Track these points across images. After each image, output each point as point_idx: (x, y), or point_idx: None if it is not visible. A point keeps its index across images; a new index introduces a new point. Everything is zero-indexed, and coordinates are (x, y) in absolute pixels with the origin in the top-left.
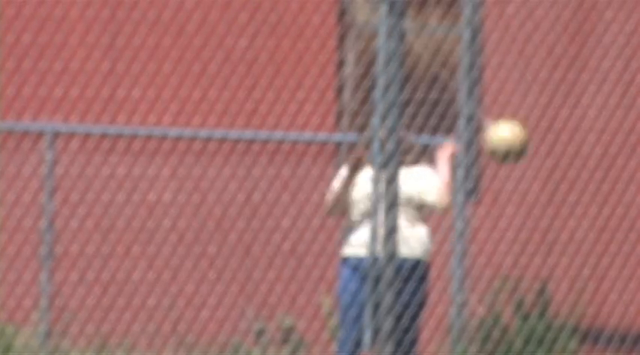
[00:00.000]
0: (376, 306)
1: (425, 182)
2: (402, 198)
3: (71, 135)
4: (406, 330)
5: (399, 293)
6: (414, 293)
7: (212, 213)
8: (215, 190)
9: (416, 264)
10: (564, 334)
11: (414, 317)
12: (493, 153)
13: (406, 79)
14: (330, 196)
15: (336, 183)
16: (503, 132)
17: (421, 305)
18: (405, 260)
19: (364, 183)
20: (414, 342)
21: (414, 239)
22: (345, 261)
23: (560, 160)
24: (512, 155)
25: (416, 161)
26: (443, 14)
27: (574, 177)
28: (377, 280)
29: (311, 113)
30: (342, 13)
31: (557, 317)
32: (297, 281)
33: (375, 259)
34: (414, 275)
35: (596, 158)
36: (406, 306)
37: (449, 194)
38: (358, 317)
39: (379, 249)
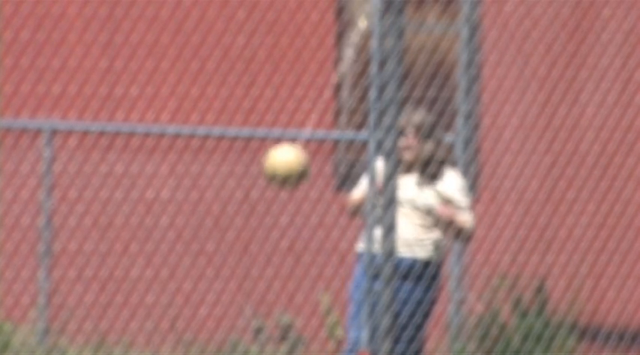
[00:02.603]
0: (387, 303)
1: (457, 200)
2: (422, 206)
3: (69, 133)
4: (416, 329)
5: (412, 291)
6: (425, 293)
7: (210, 210)
8: (213, 187)
9: (426, 264)
10: (562, 331)
11: (422, 316)
12: (272, 178)
13: (404, 76)
14: (355, 198)
15: (361, 185)
16: (283, 157)
17: (424, 304)
18: (416, 260)
19: (407, 186)
20: (414, 340)
21: (428, 242)
22: (361, 257)
23: (559, 158)
24: (292, 179)
25: (440, 172)
26: (441, 12)
27: (572, 174)
28: (377, 277)
29: (309, 110)
30: (340, 11)
31: (555, 315)
32: (295, 278)
33: (373, 257)
34: (425, 274)
35: (595, 155)
36: (419, 304)
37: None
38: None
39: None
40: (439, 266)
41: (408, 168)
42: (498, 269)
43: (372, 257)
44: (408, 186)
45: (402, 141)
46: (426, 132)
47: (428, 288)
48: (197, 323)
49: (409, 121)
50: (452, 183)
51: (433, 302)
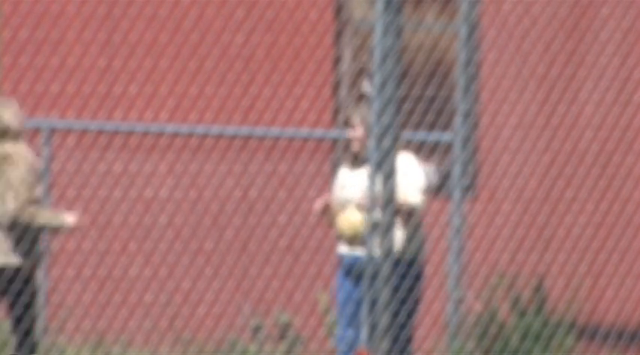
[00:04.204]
0: (372, 304)
1: (405, 181)
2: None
3: (68, 132)
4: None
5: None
6: (404, 291)
7: (209, 209)
8: (212, 186)
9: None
10: (561, 330)
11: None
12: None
13: (403, 75)
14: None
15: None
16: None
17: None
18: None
19: (358, 182)
20: (397, 339)
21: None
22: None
23: (557, 156)
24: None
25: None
26: (440, 10)
27: (571, 173)
28: (373, 277)
29: (308, 109)
30: (339, 10)
31: (553, 314)
32: (293, 277)
33: (370, 257)
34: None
35: (593, 154)
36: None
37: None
38: (354, 314)
39: (376, 246)
40: (410, 261)
41: (359, 162)
42: (497, 268)
43: (371, 258)
44: (360, 180)
45: (350, 133)
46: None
47: (398, 286)
48: (196, 321)
49: (357, 113)
50: (404, 163)
51: (404, 301)
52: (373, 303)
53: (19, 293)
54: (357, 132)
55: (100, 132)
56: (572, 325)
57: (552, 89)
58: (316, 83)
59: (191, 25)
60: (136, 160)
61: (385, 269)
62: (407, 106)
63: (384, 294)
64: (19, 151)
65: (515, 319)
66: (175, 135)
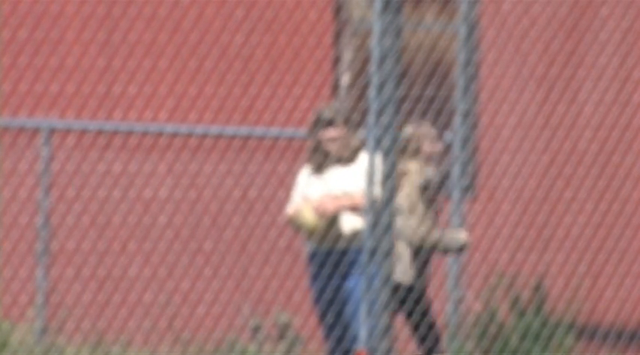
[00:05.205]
0: (372, 303)
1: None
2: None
3: (67, 132)
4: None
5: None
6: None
7: (208, 209)
8: (211, 186)
9: (347, 251)
10: (560, 330)
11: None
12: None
13: (402, 75)
14: (290, 213)
15: (294, 202)
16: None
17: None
18: (344, 250)
19: (324, 186)
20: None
21: (355, 230)
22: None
23: (557, 156)
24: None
25: (354, 158)
26: (439, 10)
27: (570, 173)
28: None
29: (307, 109)
30: (338, 10)
31: (553, 314)
32: (293, 277)
33: (372, 253)
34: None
35: (593, 154)
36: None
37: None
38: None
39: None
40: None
41: (327, 164)
42: (496, 268)
43: (373, 251)
44: (337, 177)
45: (331, 132)
46: (354, 123)
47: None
48: (195, 321)
49: (338, 112)
50: (365, 159)
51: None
52: (372, 304)
53: (411, 311)
54: (339, 131)
55: (99, 133)
56: (571, 325)
57: (552, 89)
58: (315, 83)
59: (190, 25)
60: (136, 160)
61: (385, 268)
62: (406, 106)
63: (384, 294)
64: (413, 168)
65: (515, 319)
66: (174, 135)
